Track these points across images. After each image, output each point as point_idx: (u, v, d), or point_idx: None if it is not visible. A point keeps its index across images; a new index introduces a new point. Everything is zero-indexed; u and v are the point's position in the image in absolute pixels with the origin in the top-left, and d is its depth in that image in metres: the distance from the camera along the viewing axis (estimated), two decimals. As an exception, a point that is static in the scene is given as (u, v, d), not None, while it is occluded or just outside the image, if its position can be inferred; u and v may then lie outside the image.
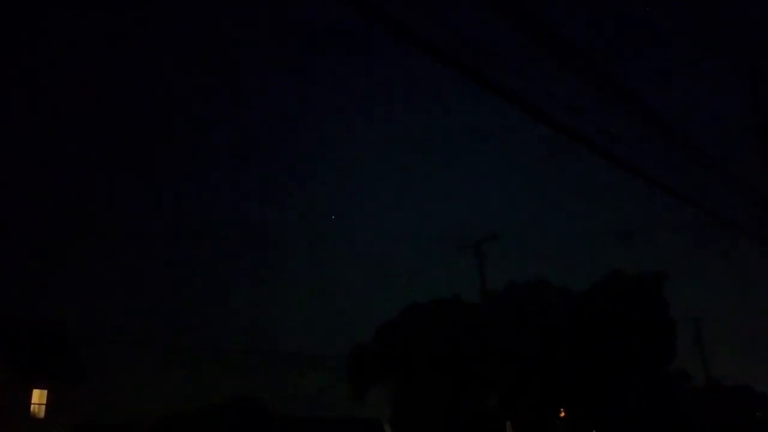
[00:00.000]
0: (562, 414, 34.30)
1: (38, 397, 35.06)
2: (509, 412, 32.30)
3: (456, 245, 34.00)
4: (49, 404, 35.13)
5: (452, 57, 7.00)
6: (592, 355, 32.34)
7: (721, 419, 39.38)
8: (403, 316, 36.48)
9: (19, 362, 34.72)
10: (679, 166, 10.80)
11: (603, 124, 9.13)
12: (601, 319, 33.10)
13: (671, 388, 34.06)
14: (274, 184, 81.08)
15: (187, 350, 39.23)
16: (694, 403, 37.52)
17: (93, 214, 69.38)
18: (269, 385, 39.07)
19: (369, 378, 35.93)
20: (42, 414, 34.88)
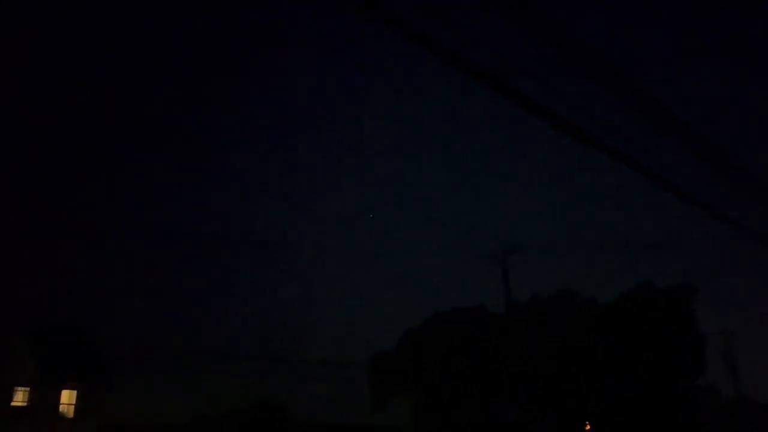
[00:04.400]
0: (588, 427, 33.86)
1: (67, 397, 35.84)
2: (532, 426, 32.00)
3: (481, 255, 33.66)
4: (78, 404, 35.86)
5: (476, 68, 6.98)
6: (618, 368, 31.91)
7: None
8: (426, 325, 36.37)
9: (48, 364, 35.53)
10: (705, 174, 10.66)
11: (632, 134, 9.06)
12: (628, 332, 32.63)
13: (699, 402, 33.42)
14: (301, 191, 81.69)
15: (211, 355, 39.72)
16: (723, 417, 36.76)
17: (120, 219, 70.66)
18: (292, 391, 39.24)
19: (390, 387, 35.87)
20: (71, 413, 35.62)
